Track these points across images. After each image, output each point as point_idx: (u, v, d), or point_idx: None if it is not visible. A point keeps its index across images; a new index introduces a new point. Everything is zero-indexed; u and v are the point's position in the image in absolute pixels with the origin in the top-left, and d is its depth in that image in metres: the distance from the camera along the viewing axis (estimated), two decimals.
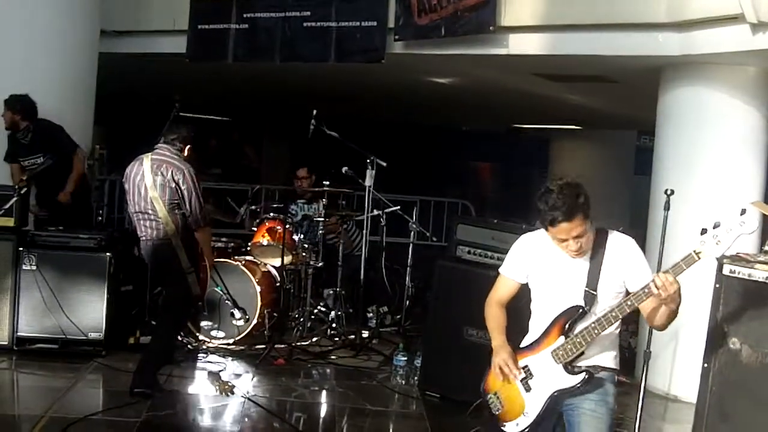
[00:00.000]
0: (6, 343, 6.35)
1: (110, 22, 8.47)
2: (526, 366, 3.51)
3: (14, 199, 6.33)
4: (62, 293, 6.32)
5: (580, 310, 3.39)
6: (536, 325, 3.57)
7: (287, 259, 7.35)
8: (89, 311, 6.35)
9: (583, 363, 3.41)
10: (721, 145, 6.66)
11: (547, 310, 3.50)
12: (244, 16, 8.29)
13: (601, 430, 3.44)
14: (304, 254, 7.54)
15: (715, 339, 4.58)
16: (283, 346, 6.95)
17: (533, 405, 3.46)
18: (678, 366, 6.52)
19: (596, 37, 6.77)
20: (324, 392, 6.31)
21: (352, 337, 7.32)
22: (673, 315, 3.30)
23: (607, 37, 6.72)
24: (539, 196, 3.32)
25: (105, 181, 11.30)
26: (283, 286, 7.46)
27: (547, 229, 3.35)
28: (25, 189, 6.51)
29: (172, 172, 5.57)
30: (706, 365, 4.64)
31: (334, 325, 7.55)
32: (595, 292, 3.39)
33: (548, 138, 15.73)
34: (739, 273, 4.52)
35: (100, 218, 8.20)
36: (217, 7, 8.40)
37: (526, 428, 3.48)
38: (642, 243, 6.83)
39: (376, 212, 7.79)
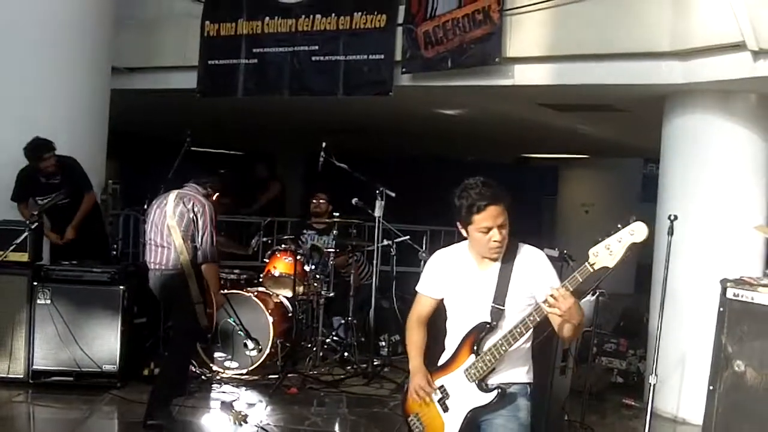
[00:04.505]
0: (22, 376, 6.42)
1: (122, 59, 8.64)
2: (442, 386, 3.48)
3: (25, 233, 6.32)
4: (76, 326, 6.40)
5: (488, 327, 3.35)
6: (450, 344, 3.53)
7: (299, 289, 7.42)
8: (103, 344, 6.44)
9: (495, 379, 3.38)
10: (725, 172, 6.70)
11: (459, 327, 3.47)
12: (254, 51, 8.43)
13: None
14: (315, 284, 7.62)
15: (720, 362, 4.64)
16: (295, 375, 7.02)
17: (452, 424, 3.43)
18: (686, 389, 6.52)
19: (600, 67, 6.82)
20: (337, 420, 6.35)
21: (364, 365, 7.37)
22: (575, 330, 3.28)
23: (611, 66, 6.77)
24: (459, 194, 3.36)
25: (119, 216, 11.40)
26: (295, 317, 7.52)
27: (471, 222, 3.33)
28: (36, 224, 6.56)
29: (194, 203, 5.71)
30: (711, 387, 4.69)
31: (346, 353, 7.60)
32: (502, 308, 3.34)
33: (556, 166, 15.78)
34: (742, 296, 4.61)
35: (114, 252, 8.29)
36: (226, 42, 8.55)
37: None
38: (648, 269, 6.96)
39: (386, 242, 7.84)
